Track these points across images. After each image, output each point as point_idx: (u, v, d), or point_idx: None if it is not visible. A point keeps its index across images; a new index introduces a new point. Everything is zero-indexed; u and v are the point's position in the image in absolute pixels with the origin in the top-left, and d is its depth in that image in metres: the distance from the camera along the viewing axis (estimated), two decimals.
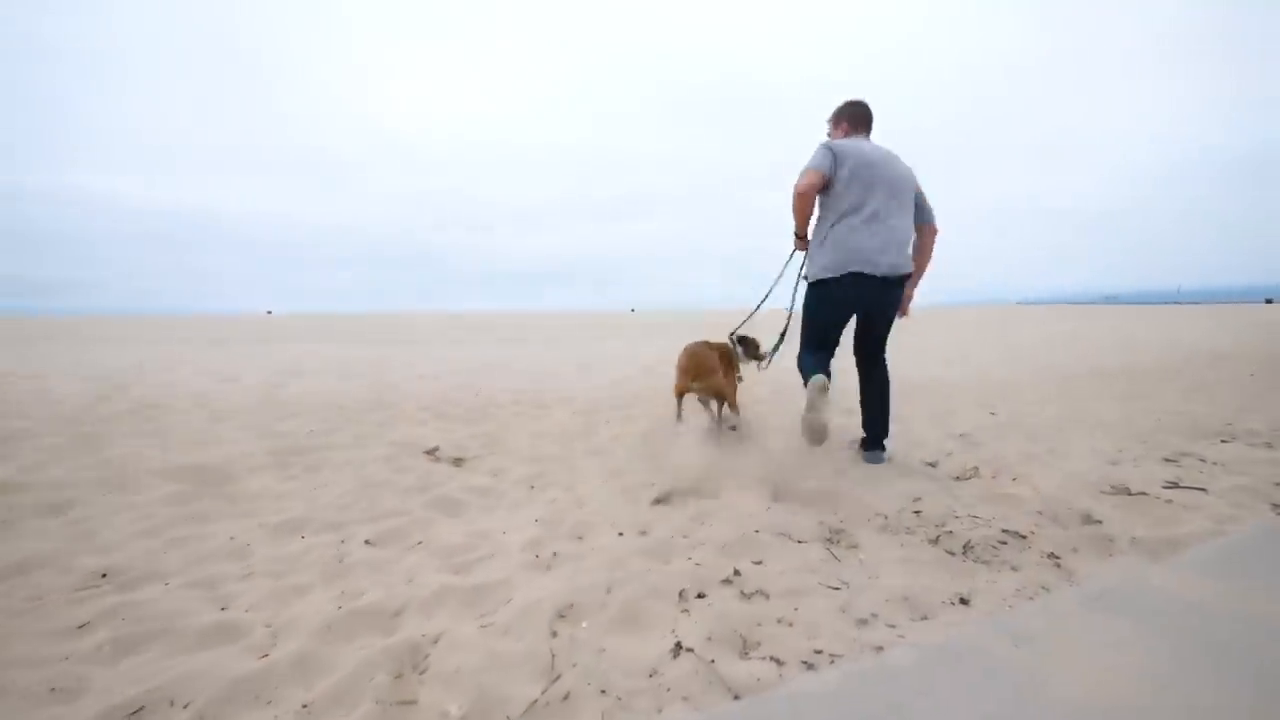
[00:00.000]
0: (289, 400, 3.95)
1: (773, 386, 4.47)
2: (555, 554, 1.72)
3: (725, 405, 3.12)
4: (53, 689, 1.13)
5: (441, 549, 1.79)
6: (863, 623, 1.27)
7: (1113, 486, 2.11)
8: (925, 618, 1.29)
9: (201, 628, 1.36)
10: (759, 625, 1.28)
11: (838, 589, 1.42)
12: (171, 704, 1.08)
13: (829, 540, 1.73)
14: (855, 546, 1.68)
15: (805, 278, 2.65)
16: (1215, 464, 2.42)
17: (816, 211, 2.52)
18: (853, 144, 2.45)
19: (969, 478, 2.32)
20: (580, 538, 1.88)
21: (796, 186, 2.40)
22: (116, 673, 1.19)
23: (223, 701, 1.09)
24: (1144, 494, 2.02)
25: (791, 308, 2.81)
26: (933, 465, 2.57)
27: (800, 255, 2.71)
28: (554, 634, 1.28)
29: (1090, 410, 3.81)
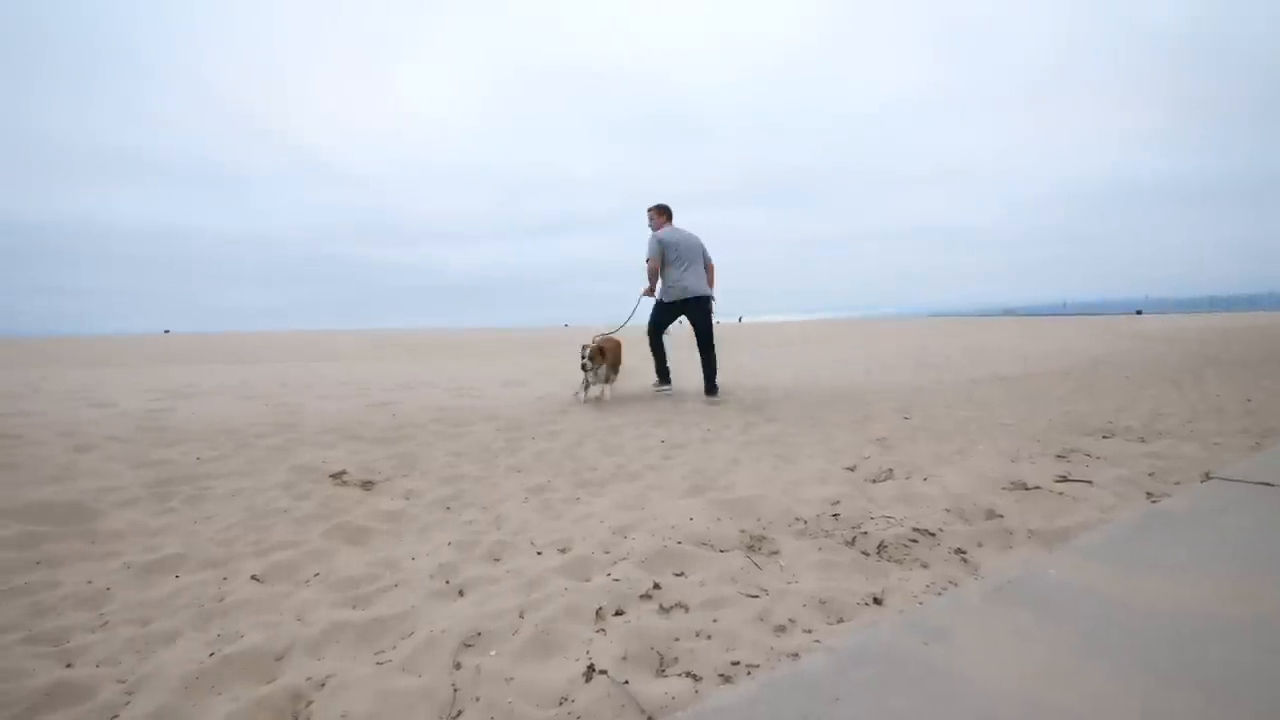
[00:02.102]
0: (173, 426, 3.56)
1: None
2: (467, 579, 1.61)
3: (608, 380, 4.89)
4: None
5: (339, 581, 1.63)
6: (780, 630, 1.25)
7: (1012, 482, 2.24)
8: (841, 620, 1.29)
9: (37, 689, 1.15)
10: (677, 640, 1.24)
11: (756, 597, 1.40)
12: None
13: (750, 548, 1.72)
14: (776, 553, 1.68)
15: (659, 300, 5.05)
16: (1099, 458, 2.63)
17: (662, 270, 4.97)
18: (670, 232, 4.93)
19: (884, 480, 2.40)
20: (496, 559, 1.78)
21: (649, 263, 4.94)
22: None
23: None
24: (1039, 488, 2.15)
25: (629, 319, 5.38)
26: (851, 469, 2.65)
27: (646, 299, 5.18)
28: (457, 666, 1.18)
29: (994, 413, 4.08)
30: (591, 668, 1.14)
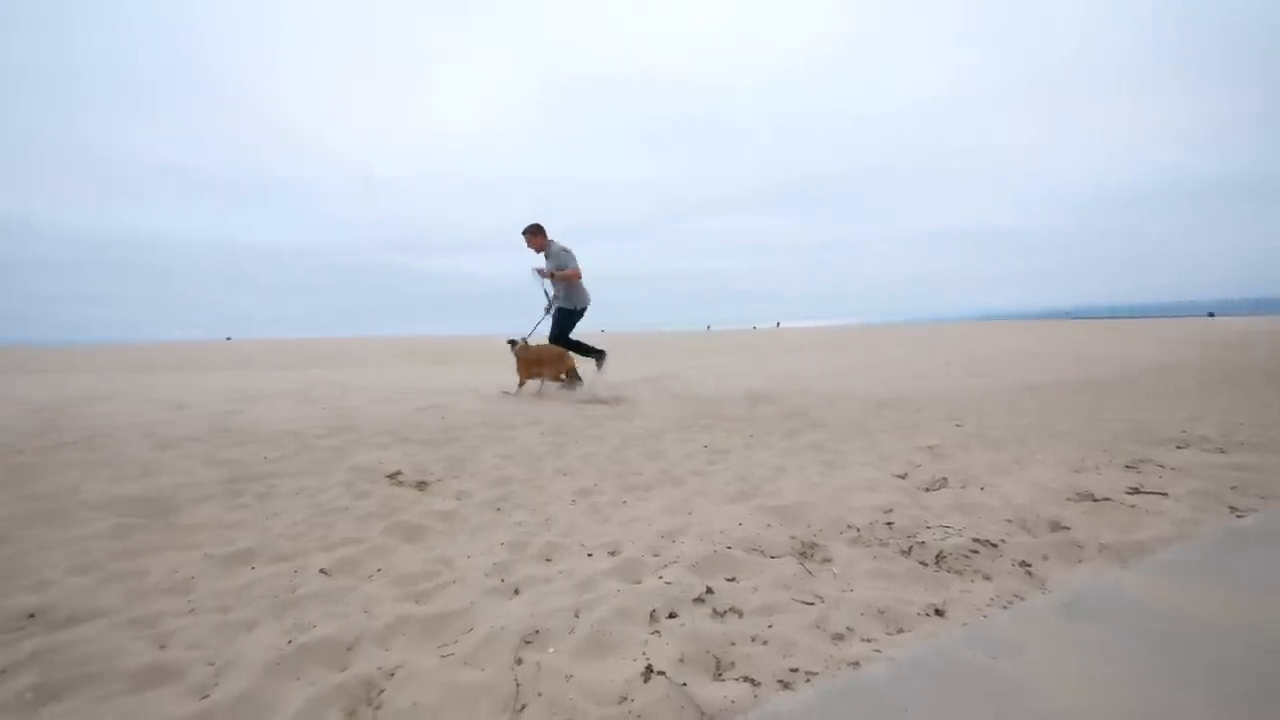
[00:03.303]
0: (242, 427, 3.77)
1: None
2: (521, 578, 1.66)
3: (553, 378, 5.48)
4: None
5: (400, 577, 1.70)
6: (838, 638, 1.24)
7: (1078, 494, 2.14)
8: (901, 630, 1.27)
9: (137, 669, 1.25)
10: (733, 644, 1.24)
11: (811, 604, 1.39)
12: None
13: (802, 555, 1.70)
14: (829, 560, 1.66)
15: (573, 309, 5.60)
16: (1173, 469, 2.49)
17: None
18: (565, 244, 5.49)
19: (938, 488, 2.33)
20: (548, 560, 1.82)
21: (575, 270, 5.42)
22: None
23: None
24: (1108, 500, 2.05)
25: (540, 322, 5.77)
26: (902, 477, 2.59)
27: (551, 278, 5.55)
28: (518, 662, 1.21)
29: (1052, 420, 3.91)
30: (649, 668, 1.15)
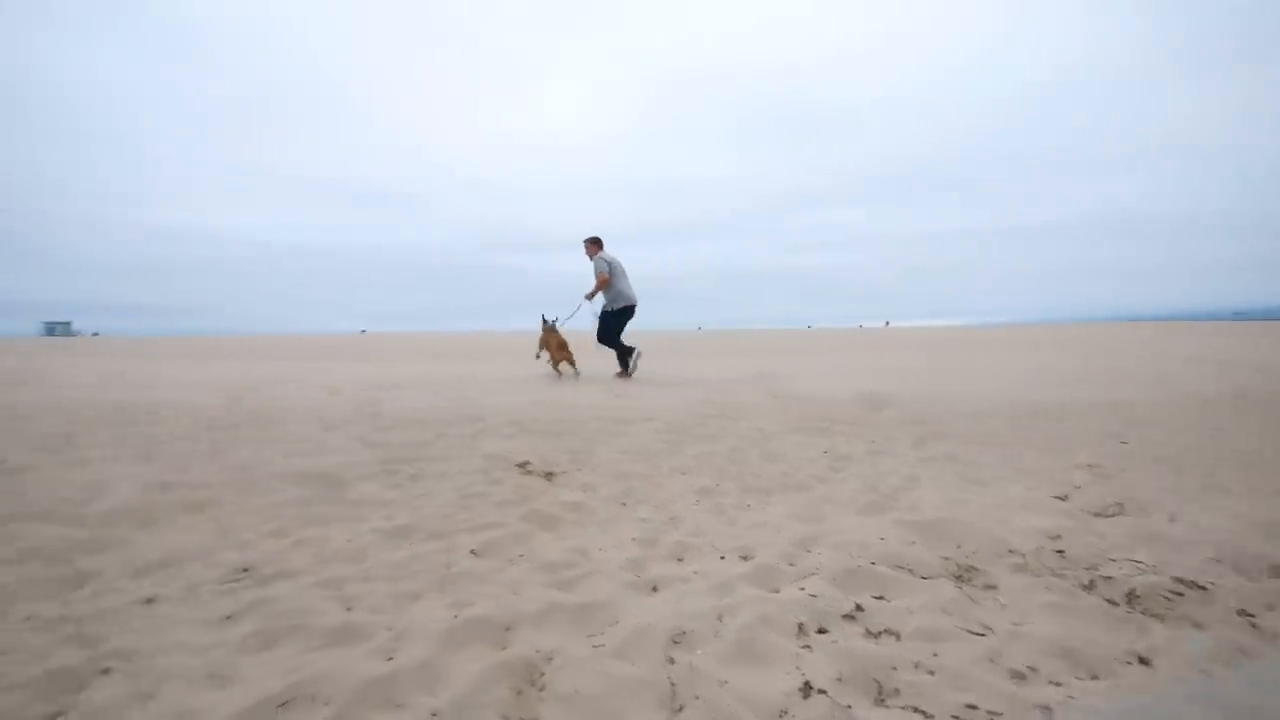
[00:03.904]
0: (387, 412, 4.17)
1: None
2: (657, 576, 1.68)
3: (567, 361, 6.70)
4: (210, 675, 1.21)
5: (543, 564, 1.79)
6: (1019, 677, 1.13)
7: None
8: (1095, 676, 1.13)
9: (330, 627, 1.41)
10: (894, 669, 1.17)
11: (981, 635, 1.28)
12: (314, 700, 1.12)
13: (958, 578, 1.58)
14: (992, 587, 1.52)
15: (606, 308, 6.53)
16: None
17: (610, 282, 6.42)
18: (609, 255, 6.41)
19: (1112, 514, 2.07)
20: (680, 559, 1.83)
21: (600, 276, 6.32)
22: (261, 663, 1.26)
23: (357, 702, 1.12)
24: None
25: (570, 316, 6.75)
26: (1061, 499, 2.33)
27: (590, 298, 6.55)
28: (670, 661, 1.23)
29: (1238, 440, 3.34)
30: (808, 685, 1.12)
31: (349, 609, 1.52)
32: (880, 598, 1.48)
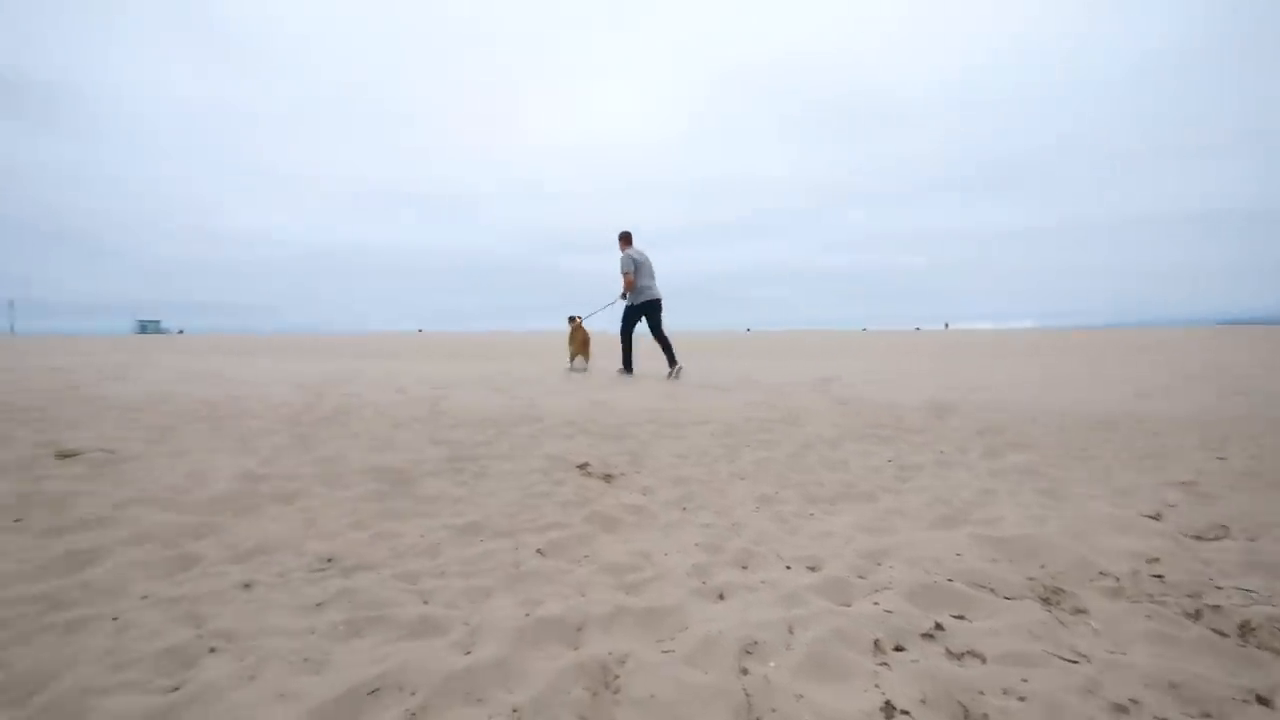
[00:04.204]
0: (451, 411, 4.33)
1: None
2: (723, 583, 1.67)
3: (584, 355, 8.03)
4: (305, 659, 1.29)
5: (608, 565, 1.81)
6: (1121, 710, 1.06)
7: None
8: (1208, 715, 1.05)
9: (411, 619, 1.48)
10: (981, 694, 1.12)
11: (1075, 663, 1.21)
12: (400, 689, 1.18)
13: (1045, 600, 1.49)
14: (1082, 611, 1.43)
15: (629, 304, 7.04)
16: None
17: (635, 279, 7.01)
18: (635, 251, 6.94)
19: (1217, 538, 1.91)
20: (744, 567, 1.82)
21: (626, 275, 6.96)
22: (351, 651, 1.33)
23: (441, 693, 1.17)
24: None
25: (603, 309, 7.62)
26: (1154, 518, 2.16)
27: (624, 298, 7.10)
28: (744, 671, 1.22)
29: None
30: (889, 704, 1.09)
31: (425, 602, 1.59)
32: (961, 617, 1.43)
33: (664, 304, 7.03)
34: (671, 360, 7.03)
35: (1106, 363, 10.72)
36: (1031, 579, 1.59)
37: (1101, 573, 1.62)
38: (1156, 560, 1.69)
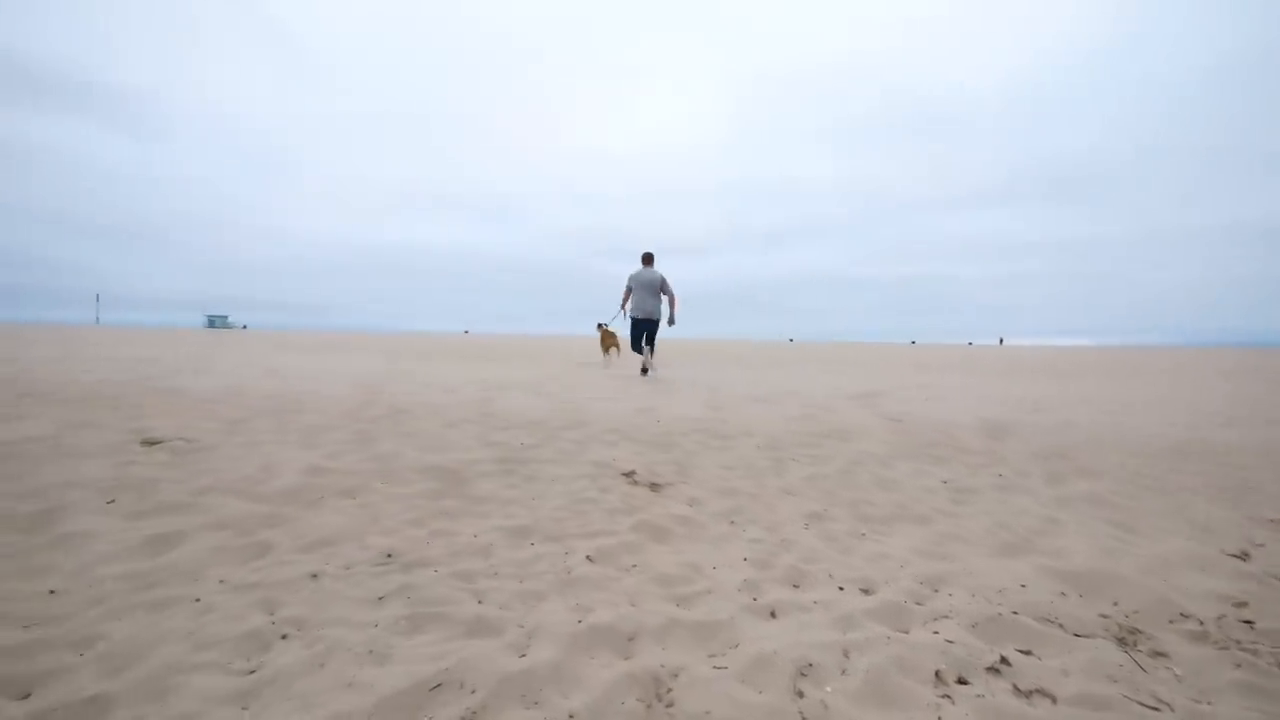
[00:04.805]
0: (500, 413, 4.43)
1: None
2: (775, 601, 1.65)
3: (618, 352, 11.02)
4: (370, 651, 1.35)
5: (658, 576, 1.82)
6: None
7: None
8: None
9: (467, 618, 1.52)
10: None
11: (1156, 709, 1.14)
12: (461, 687, 1.22)
13: (1121, 640, 1.42)
14: (1162, 655, 1.35)
15: (627, 316, 8.42)
16: None
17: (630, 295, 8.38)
18: (637, 272, 8.19)
19: None
20: (796, 585, 1.79)
21: (624, 292, 8.46)
22: (413, 646, 1.38)
23: (498, 694, 1.20)
24: None
25: (613, 319, 9.20)
26: (1241, 558, 2.02)
27: (621, 310, 8.52)
28: (800, 694, 1.21)
29: None
30: None
31: (480, 602, 1.63)
32: (1028, 653, 1.37)
33: (675, 319, 8.29)
34: (646, 367, 8.46)
35: (1182, 386, 10.03)
36: (1105, 616, 1.51)
37: (1183, 614, 1.52)
38: (1245, 604, 1.58)
